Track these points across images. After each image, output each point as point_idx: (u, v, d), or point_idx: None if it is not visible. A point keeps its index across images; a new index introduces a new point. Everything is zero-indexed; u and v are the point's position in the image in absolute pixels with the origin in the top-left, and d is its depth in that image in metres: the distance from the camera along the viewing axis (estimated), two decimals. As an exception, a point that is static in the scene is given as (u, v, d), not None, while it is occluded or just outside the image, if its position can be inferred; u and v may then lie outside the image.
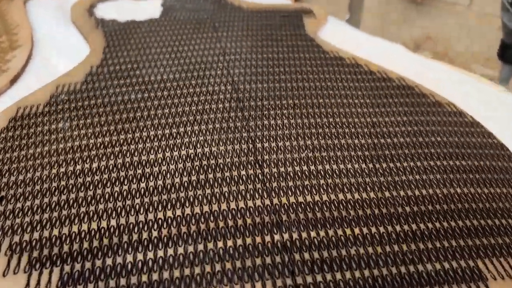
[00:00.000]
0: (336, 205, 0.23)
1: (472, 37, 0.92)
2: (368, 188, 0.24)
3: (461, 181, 0.25)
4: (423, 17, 0.94)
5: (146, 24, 0.42)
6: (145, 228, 0.21)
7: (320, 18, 0.44)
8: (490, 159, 0.27)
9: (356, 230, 0.21)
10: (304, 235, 0.21)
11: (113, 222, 0.22)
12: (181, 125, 0.29)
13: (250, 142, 0.27)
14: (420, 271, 0.20)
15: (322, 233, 0.21)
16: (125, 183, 0.24)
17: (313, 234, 0.21)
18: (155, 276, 0.19)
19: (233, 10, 0.45)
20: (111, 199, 0.23)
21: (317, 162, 0.26)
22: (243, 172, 0.25)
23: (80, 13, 0.44)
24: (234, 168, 0.25)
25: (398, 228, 0.22)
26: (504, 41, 0.70)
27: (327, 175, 0.25)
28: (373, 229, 0.22)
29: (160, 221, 0.22)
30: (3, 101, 0.33)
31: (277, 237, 0.21)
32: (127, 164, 0.25)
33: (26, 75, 0.36)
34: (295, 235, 0.21)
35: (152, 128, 0.28)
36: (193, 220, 0.22)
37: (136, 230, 0.21)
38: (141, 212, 0.22)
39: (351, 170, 0.25)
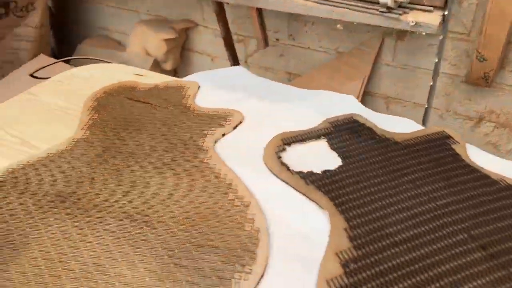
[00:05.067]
0: None
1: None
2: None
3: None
4: (486, 97, 1.07)
5: (344, 172, 0.53)
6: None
7: (459, 140, 0.56)
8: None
9: None
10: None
11: None
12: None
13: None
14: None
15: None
16: None
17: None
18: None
19: (391, 145, 0.56)
20: None
21: None
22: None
23: (276, 167, 0.55)
24: None
25: None
26: None
27: None
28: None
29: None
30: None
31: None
32: None
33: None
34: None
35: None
36: None
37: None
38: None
39: None
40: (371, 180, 0.51)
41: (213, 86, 0.77)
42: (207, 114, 0.66)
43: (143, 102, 0.70)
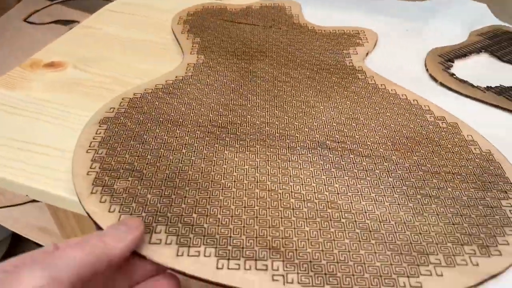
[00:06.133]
0: None
1: None
2: None
3: None
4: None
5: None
6: None
7: None
8: None
9: None
10: None
11: None
12: None
13: None
14: None
15: None
16: None
17: None
18: None
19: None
20: None
21: None
22: None
23: (455, 84, 0.48)
24: None
25: None
26: None
27: None
28: None
29: None
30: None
31: None
32: None
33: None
34: None
35: None
36: None
37: None
38: None
39: None
40: None
41: (310, 5, 0.66)
42: (334, 33, 0.57)
43: (247, 24, 0.59)
